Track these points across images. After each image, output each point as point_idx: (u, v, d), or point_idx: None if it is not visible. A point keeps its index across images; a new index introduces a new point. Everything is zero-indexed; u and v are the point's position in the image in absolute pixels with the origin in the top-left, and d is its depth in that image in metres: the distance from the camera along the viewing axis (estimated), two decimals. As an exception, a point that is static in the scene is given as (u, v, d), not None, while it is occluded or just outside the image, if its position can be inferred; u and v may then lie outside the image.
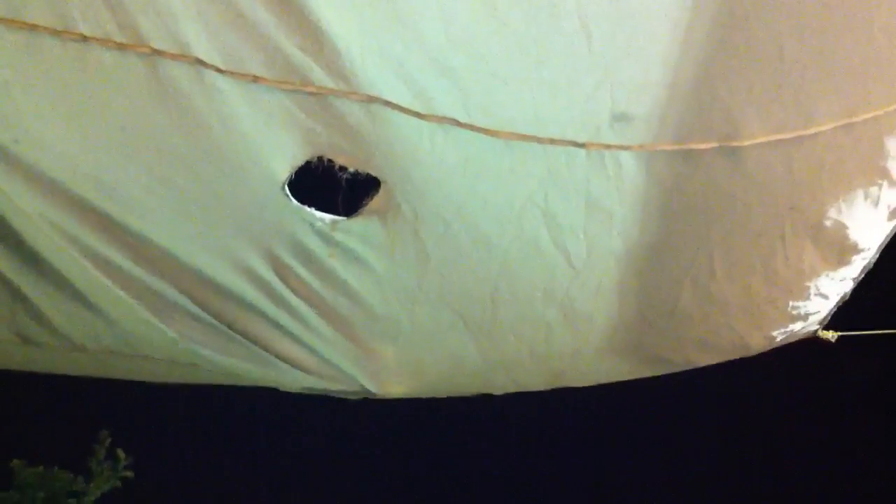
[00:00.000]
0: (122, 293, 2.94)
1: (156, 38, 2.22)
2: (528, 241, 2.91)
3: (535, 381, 4.02)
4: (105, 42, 2.20)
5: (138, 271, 2.85)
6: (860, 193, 3.02)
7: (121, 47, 2.21)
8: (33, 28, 2.17)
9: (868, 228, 3.21)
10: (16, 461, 5.38)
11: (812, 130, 2.71)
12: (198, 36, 2.23)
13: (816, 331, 3.86)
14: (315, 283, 2.96)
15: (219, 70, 2.27)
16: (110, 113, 2.40)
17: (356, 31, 2.24)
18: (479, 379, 3.80)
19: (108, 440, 5.59)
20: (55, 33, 2.18)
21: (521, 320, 3.34)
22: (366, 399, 3.84)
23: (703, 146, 2.67)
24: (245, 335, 3.21)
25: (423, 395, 4.21)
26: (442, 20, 2.27)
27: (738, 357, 3.94)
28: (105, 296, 2.97)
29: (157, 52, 2.24)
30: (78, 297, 2.99)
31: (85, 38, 2.18)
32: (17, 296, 2.93)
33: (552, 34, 2.36)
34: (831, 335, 3.86)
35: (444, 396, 4.20)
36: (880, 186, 3.00)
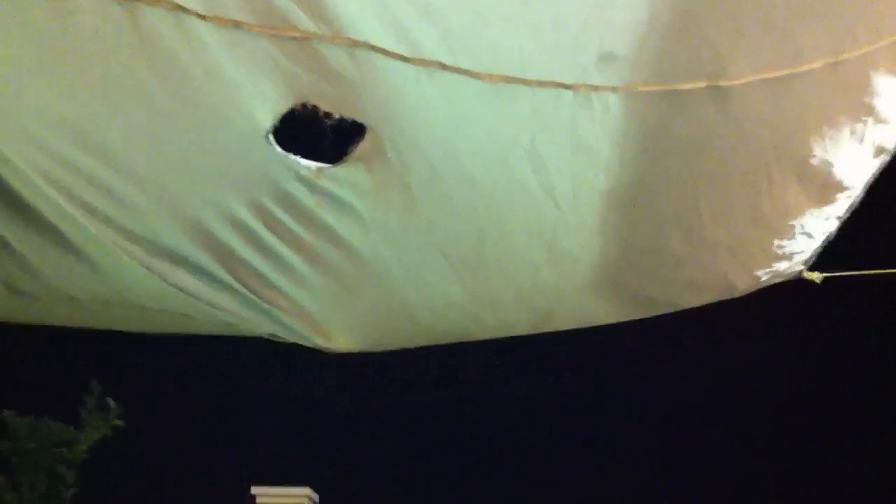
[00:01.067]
0: (110, 242, 2.93)
1: (135, -17, 2.17)
2: (514, 182, 2.91)
3: (522, 321, 4.03)
4: (82, -13, 2.16)
5: (124, 221, 2.83)
6: (846, 130, 3.02)
7: (99, -6, 2.17)
8: (10, -24, 2.12)
9: (853, 166, 3.22)
10: (6, 411, 5.41)
11: (800, 69, 2.70)
12: None
13: (801, 271, 3.88)
14: (301, 230, 2.95)
15: (199, 16, 2.22)
16: (90, 61, 2.36)
17: (339, -27, 2.21)
18: (466, 320, 3.81)
19: (99, 390, 5.64)
20: (31, -20, 2.14)
21: (508, 261, 3.35)
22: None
23: (690, 86, 2.66)
24: (235, 282, 3.21)
25: (412, 344, 4.23)
26: (426, -40, 2.24)
27: (723, 298, 3.97)
28: (93, 245, 2.96)
29: (136, -2, 2.19)
30: (66, 246, 2.98)
31: (61, -16, 2.14)
32: (5, 246, 2.92)
33: None
34: (816, 276, 3.88)
35: (433, 344, 4.22)
36: (866, 123, 3.01)
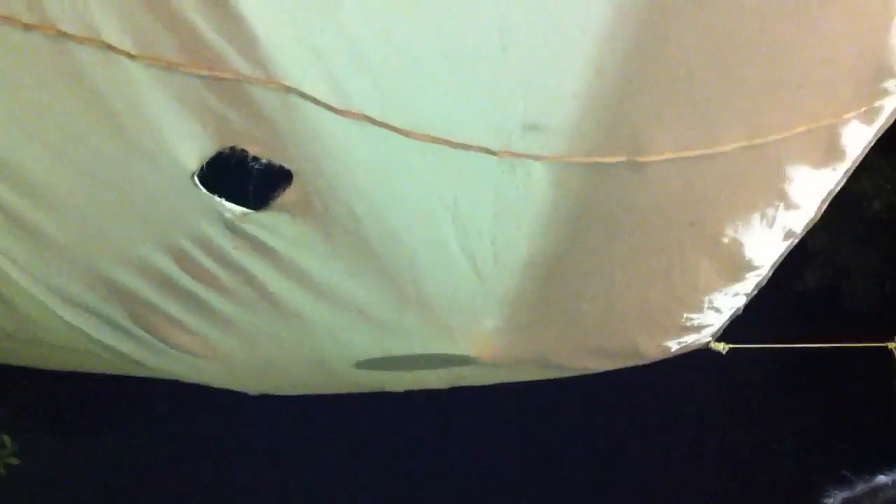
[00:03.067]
0: (18, 278, 2.87)
1: (63, 20, 2.13)
2: (436, 244, 2.92)
3: (436, 382, 4.06)
4: (12, 21, 2.13)
5: (36, 260, 2.78)
6: (758, 214, 3.11)
7: (27, 27, 2.14)
8: (-63, 3, 2.09)
9: (763, 247, 3.31)
10: None
11: (715, 150, 2.78)
12: (108, 19, 2.15)
13: (709, 342, 3.98)
14: (219, 271, 2.92)
15: (129, 55, 2.21)
16: (15, 92, 2.32)
17: (275, 18, 2.19)
18: (381, 376, 3.81)
19: (-6, 426, 5.45)
20: (-42, 10, 2.10)
21: (426, 326, 3.36)
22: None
23: (611, 160, 2.72)
24: (144, 326, 3.17)
25: (325, 391, 4.22)
26: (362, 13, 2.24)
27: (632, 364, 4.04)
28: (1, 279, 2.89)
29: (65, 35, 2.16)
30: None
31: (-10, 16, 2.11)
32: None
33: (470, 37, 2.36)
34: (722, 347, 4.00)
35: (345, 392, 4.21)
36: (777, 208, 3.10)
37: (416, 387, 4.18)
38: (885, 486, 1.18)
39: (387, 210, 2.78)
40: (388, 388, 4.17)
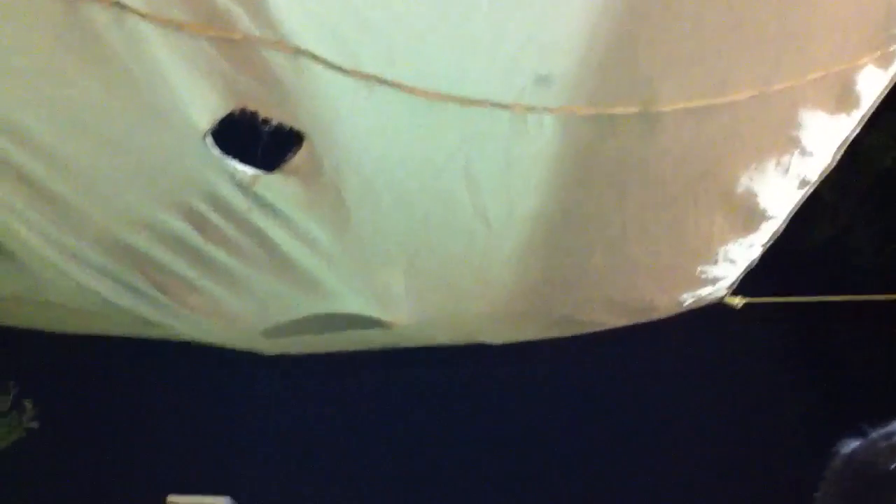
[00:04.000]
0: (33, 241, 2.88)
1: (75, -22, 2.14)
2: (447, 202, 2.92)
3: (445, 338, 4.07)
4: (23, -16, 2.12)
5: (47, 221, 2.79)
6: (772, 162, 3.09)
7: (37, -14, 2.14)
8: (-55, -34, 2.08)
9: (777, 196, 3.30)
10: (-84, 409, 5.24)
11: (727, 98, 2.76)
12: None
13: (724, 296, 3.97)
14: (232, 231, 2.93)
15: (140, 14, 2.20)
16: (26, 56, 2.31)
17: (284, -20, 2.20)
18: (389, 335, 3.83)
19: (15, 390, 5.49)
20: (-32, -31, 2.10)
21: (438, 284, 3.37)
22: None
23: (622, 111, 2.71)
24: (157, 288, 3.18)
25: (331, 349, 4.24)
26: (369, -26, 2.24)
27: (645, 319, 4.04)
28: (14, 242, 2.91)
29: (76, -7, 2.16)
30: (-15, 240, 2.93)
31: (1, -23, 2.10)
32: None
33: None
34: (738, 301, 3.98)
35: (348, 350, 4.24)
36: (791, 155, 3.08)
37: (422, 344, 4.20)
38: None
39: (397, 170, 2.78)
40: (402, 344, 4.19)
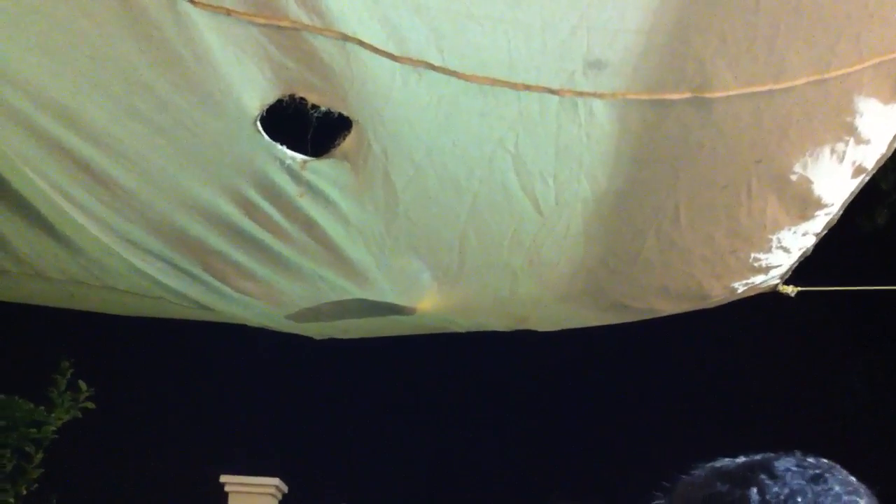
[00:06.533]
0: (87, 224, 2.93)
1: (129, -33, 2.17)
2: (497, 186, 2.92)
3: (496, 324, 4.06)
4: (75, -28, 2.15)
5: (102, 206, 2.83)
6: (827, 149, 3.04)
7: (90, -23, 2.17)
8: (2, -47, 2.12)
9: (833, 184, 3.24)
10: (-25, 389, 5.37)
11: (783, 85, 2.72)
12: None
13: (777, 285, 3.91)
14: (282, 219, 2.96)
15: (192, 1, 2.23)
16: (79, 41, 2.35)
17: (332, -34, 2.21)
18: (438, 321, 3.83)
19: (71, 371, 5.61)
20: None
21: (487, 266, 3.36)
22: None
23: (674, 96, 2.68)
24: (210, 272, 3.22)
25: (379, 335, 4.26)
26: (419, -42, 2.25)
27: (698, 307, 3.99)
28: (70, 226, 2.96)
29: (130, -19, 2.19)
30: (43, 225, 2.98)
31: (56, -33, 2.13)
32: (-26, 216, 2.91)
33: None
34: (791, 290, 3.91)
35: (396, 335, 4.25)
36: (847, 143, 3.02)
37: (474, 329, 4.20)
38: None
39: (447, 155, 2.78)
40: (452, 329, 4.19)
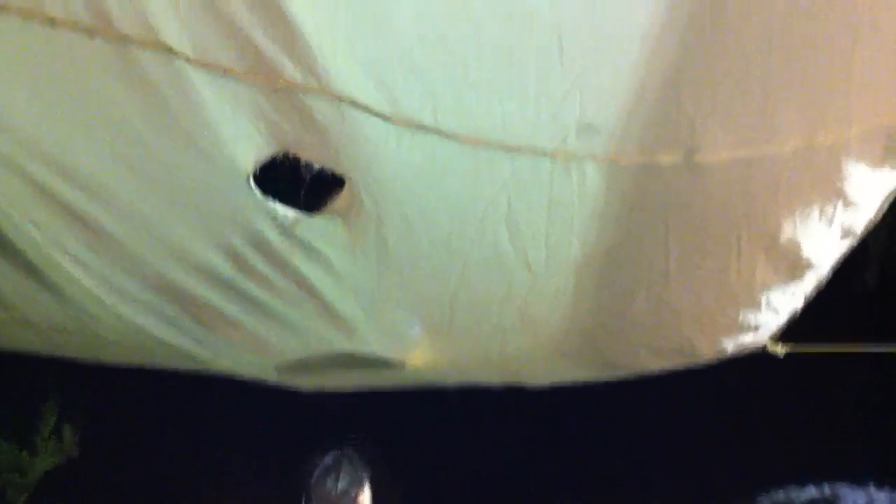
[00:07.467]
0: (76, 273, 2.92)
1: (126, 25, 2.17)
2: (488, 245, 2.92)
3: (488, 379, 4.06)
4: (74, 25, 2.16)
5: (93, 255, 2.83)
6: (815, 211, 3.06)
7: (90, 31, 2.18)
8: (2, 8, 2.12)
9: (821, 246, 3.26)
10: (-41, 433, 5.31)
11: (773, 149, 2.74)
12: (169, 23, 2.19)
13: (766, 344, 3.92)
14: (272, 273, 2.95)
15: (188, 59, 2.24)
16: (75, 94, 2.36)
17: (329, 27, 2.22)
18: (431, 375, 3.83)
19: (55, 416, 5.56)
20: (23, 14, 2.14)
21: (478, 324, 3.36)
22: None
23: (666, 159, 2.70)
24: (199, 323, 3.21)
25: (367, 388, 4.24)
26: (415, 20, 2.26)
27: (688, 365, 4.00)
28: (59, 274, 2.94)
29: (127, 38, 2.20)
30: (32, 271, 2.96)
31: (54, 23, 2.14)
32: (-34, 264, 2.90)
33: (525, 40, 2.36)
34: (780, 349, 3.92)
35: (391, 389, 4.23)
36: (836, 206, 3.05)
37: (468, 381, 4.19)
38: None
39: (439, 214, 2.80)
40: (441, 383, 4.18)
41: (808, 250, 3.25)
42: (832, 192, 3.00)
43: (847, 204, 3.06)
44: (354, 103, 2.33)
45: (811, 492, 1.16)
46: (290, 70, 2.26)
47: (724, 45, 2.49)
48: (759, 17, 2.43)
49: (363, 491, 3.57)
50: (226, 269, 2.91)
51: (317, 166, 2.53)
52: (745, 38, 2.48)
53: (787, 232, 3.12)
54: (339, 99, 2.31)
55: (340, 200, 2.69)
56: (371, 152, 2.50)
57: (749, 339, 3.83)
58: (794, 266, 3.34)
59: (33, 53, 2.24)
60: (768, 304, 3.53)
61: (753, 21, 2.45)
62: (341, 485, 3.51)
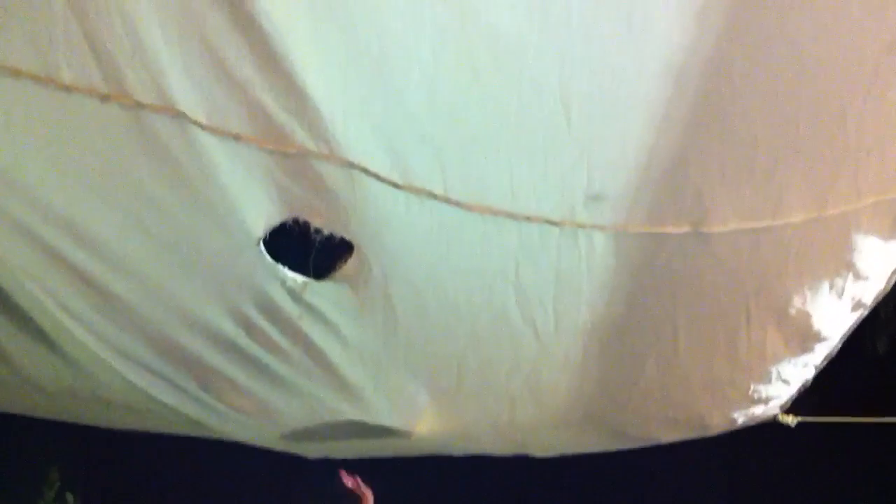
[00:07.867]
0: (84, 337, 2.91)
1: (141, 91, 2.21)
2: (496, 313, 2.92)
3: (495, 449, 4.01)
4: (89, 92, 2.20)
5: (101, 319, 2.83)
6: (825, 283, 3.05)
7: (104, 97, 2.21)
8: (17, 73, 2.16)
9: (832, 318, 3.24)
10: (-38, 499, 5.26)
11: (781, 221, 2.75)
12: (183, 90, 2.23)
13: (777, 414, 3.88)
14: (281, 338, 2.95)
15: (201, 126, 2.27)
16: (89, 158, 2.39)
17: (340, 94, 2.26)
18: (436, 445, 3.79)
19: (58, 482, 5.50)
20: (39, 80, 2.17)
21: (486, 392, 3.34)
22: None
23: (673, 230, 2.70)
24: (205, 388, 3.19)
25: (372, 456, 4.20)
26: (425, 88, 2.29)
27: (698, 435, 3.96)
28: (67, 338, 2.94)
29: (141, 105, 2.23)
30: (40, 336, 2.96)
31: (69, 89, 2.18)
32: (-23, 329, 2.90)
33: (533, 109, 2.38)
34: (791, 420, 3.88)
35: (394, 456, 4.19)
36: (845, 278, 3.04)
37: (475, 452, 4.15)
38: None
39: (447, 280, 2.80)
40: (448, 452, 4.14)
41: (819, 322, 3.23)
42: (842, 264, 2.99)
43: (857, 276, 3.05)
44: (364, 170, 2.35)
45: None
46: (301, 136, 2.29)
47: (732, 117, 2.50)
48: (765, 84, 2.44)
49: None
50: (234, 333, 2.90)
51: (326, 232, 2.54)
52: (752, 106, 2.50)
53: (797, 303, 3.11)
54: (349, 165, 2.34)
55: (349, 266, 2.70)
56: (380, 218, 2.52)
57: (760, 411, 3.79)
58: (805, 338, 3.32)
59: (48, 118, 2.27)
60: (779, 375, 3.50)
61: (760, 89, 2.46)
62: None
